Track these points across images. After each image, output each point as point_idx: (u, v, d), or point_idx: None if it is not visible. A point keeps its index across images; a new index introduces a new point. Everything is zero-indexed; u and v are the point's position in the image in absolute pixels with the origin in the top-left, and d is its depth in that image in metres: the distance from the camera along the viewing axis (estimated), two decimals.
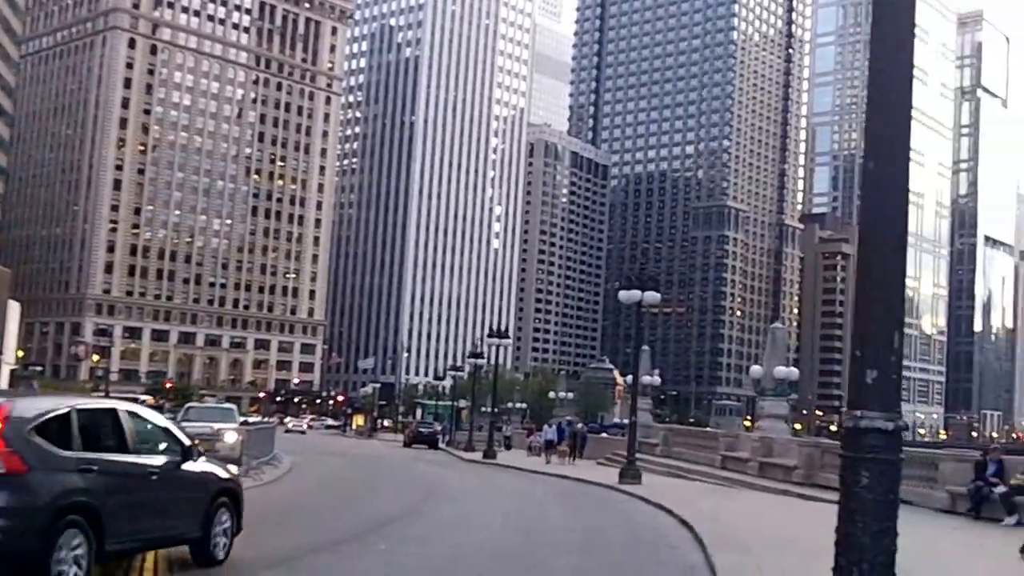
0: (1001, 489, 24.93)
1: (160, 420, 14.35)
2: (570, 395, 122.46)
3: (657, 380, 62.94)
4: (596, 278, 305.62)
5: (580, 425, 74.91)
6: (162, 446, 13.51)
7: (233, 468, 16.10)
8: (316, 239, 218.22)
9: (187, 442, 14.02)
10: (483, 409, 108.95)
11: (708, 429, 71.79)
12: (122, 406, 13.42)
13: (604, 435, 78.58)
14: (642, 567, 17.67)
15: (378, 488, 33.27)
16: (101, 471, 11.68)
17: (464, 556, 17.98)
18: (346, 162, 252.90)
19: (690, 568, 16.94)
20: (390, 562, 16.64)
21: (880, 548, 5.89)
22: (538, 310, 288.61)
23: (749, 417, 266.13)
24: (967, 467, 26.79)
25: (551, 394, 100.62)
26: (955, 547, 21.39)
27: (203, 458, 14.44)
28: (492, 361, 68.05)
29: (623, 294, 40.01)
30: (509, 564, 17.56)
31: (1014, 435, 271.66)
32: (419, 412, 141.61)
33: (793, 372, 43.59)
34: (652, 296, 39.48)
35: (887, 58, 6.13)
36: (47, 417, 11.37)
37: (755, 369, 45.16)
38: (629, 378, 63.69)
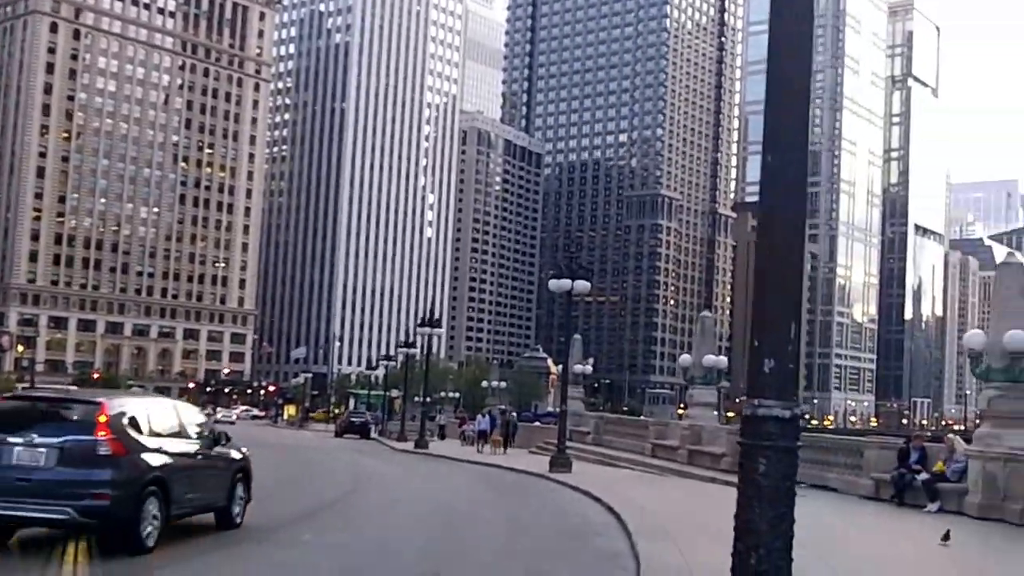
0: (924, 476, 25.34)
1: (196, 412, 18.90)
2: (503, 384, 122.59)
3: (589, 369, 63.16)
4: (530, 267, 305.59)
5: (514, 414, 75.13)
6: (198, 433, 17.18)
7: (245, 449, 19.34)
8: (246, 227, 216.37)
9: (217, 430, 18.38)
10: (416, 399, 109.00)
11: (638, 417, 72.16)
12: (173, 402, 18.22)
13: (537, 424, 78.65)
14: (566, 554, 17.75)
15: (305, 479, 33.16)
16: (167, 453, 15.52)
17: (389, 545, 18.00)
18: (276, 149, 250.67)
19: (614, 555, 17.04)
20: (314, 552, 16.64)
21: (777, 533, 5.98)
22: (471, 299, 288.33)
23: (683, 405, 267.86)
24: (891, 454, 27.18)
25: (484, 383, 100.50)
26: (877, 533, 21.69)
27: (229, 442, 18.47)
28: (424, 350, 67.79)
29: (553, 283, 40.12)
30: (433, 552, 17.60)
31: (943, 422, 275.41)
32: (352, 402, 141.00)
33: (722, 361, 43.87)
34: (582, 285, 39.55)
35: (785, 51, 6.24)
36: (132, 411, 15.19)
37: (684, 358, 45.42)
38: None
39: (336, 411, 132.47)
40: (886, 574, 16.15)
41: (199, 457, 16.90)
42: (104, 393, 19.41)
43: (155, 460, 15.02)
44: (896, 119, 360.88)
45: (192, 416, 17.71)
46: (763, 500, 5.96)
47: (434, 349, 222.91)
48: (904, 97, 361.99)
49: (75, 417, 14.87)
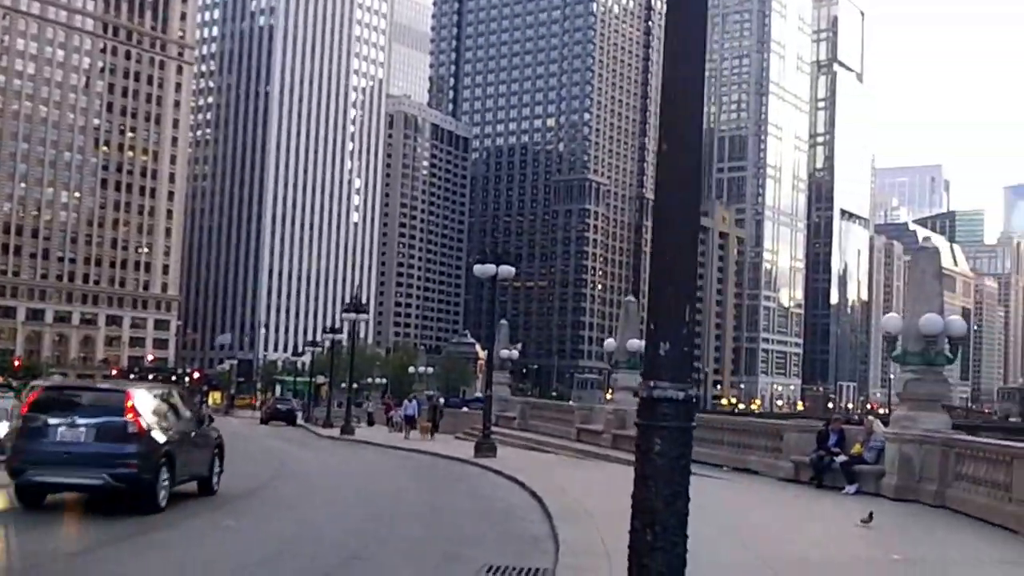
0: (842, 458, 25.70)
1: (188, 397, 24.26)
2: (430, 370, 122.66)
3: (516, 354, 63.02)
4: (458, 252, 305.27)
5: (441, 400, 75.18)
6: (189, 415, 21.40)
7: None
8: (169, 212, 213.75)
9: (202, 412, 23.53)
10: (343, 385, 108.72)
11: (564, 402, 72.48)
12: (172, 388, 22.87)
13: (465, 409, 78.83)
14: (486, 538, 17.85)
15: (226, 466, 32.97)
16: (171, 431, 19.56)
17: (309, 530, 18.05)
18: (199, 133, 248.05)
19: (534, 539, 17.16)
20: (233, 539, 16.64)
21: (672, 511, 6.16)
22: (399, 284, 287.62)
23: (611, 390, 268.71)
24: (810, 437, 27.50)
25: (411, 369, 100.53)
26: (796, 514, 22.01)
27: (212, 423, 23.36)
28: (350, 336, 67.60)
29: (478, 268, 40.13)
30: (353, 536, 17.64)
31: (868, 405, 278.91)
32: (278, 389, 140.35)
33: None
34: (507, 270, 39.66)
35: (681, 41, 6.34)
36: (147, 397, 19.49)
37: (609, 342, 45.56)
38: None
39: (262, 398, 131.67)
40: (797, 551, 16.31)
41: (192, 435, 20.94)
42: (126, 383, 23.01)
43: (163, 437, 19.12)
44: (821, 104, 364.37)
45: (186, 400, 22.44)
46: (659, 479, 6.14)
47: (361, 335, 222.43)
48: (829, 82, 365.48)
49: (106, 403, 19.13)
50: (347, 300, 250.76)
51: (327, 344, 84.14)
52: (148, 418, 18.80)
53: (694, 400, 6.25)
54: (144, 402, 19.13)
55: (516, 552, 15.94)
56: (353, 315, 62.03)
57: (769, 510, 22.56)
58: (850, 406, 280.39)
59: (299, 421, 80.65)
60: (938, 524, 19.95)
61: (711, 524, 19.00)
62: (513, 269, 40.52)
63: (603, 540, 16.09)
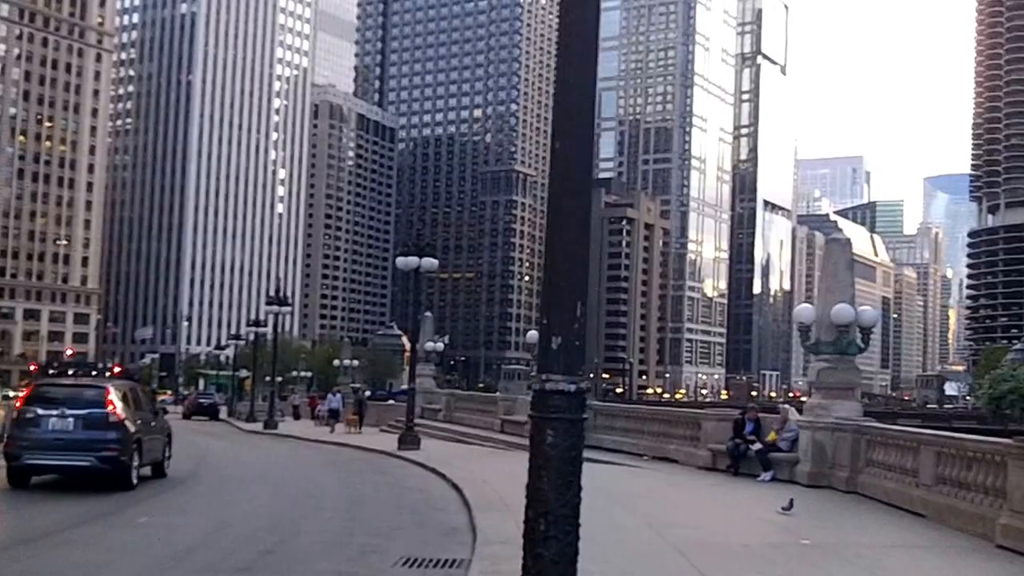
0: (757, 446, 26.13)
1: (148, 391, 36.88)
2: (355, 363, 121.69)
3: (441, 346, 63.15)
4: (385, 243, 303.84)
5: (367, 393, 74.93)
6: (147, 408, 25.31)
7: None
8: (88, 203, 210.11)
9: (156, 405, 29.22)
10: (267, 379, 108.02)
11: (488, 394, 72.53)
12: (136, 384, 26.29)
13: (391, 402, 78.55)
14: (404, 529, 17.94)
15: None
16: (139, 421, 23.15)
17: (227, 525, 18.14)
18: (120, 123, 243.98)
19: (452, 530, 17.30)
20: (148, 534, 16.62)
21: (563, 501, 6.32)
22: (325, 276, 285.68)
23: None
24: (727, 426, 27.90)
25: (335, 362, 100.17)
26: (710, 501, 22.27)
27: (166, 414, 28.51)
28: (273, 329, 67.18)
29: (400, 260, 40.21)
30: (271, 530, 17.67)
31: (791, 394, 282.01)
32: (201, 383, 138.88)
33: None
34: (430, 262, 39.75)
35: (572, 41, 6.50)
36: (121, 392, 22.82)
37: (531, 334, 45.87)
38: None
39: (185, 392, 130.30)
40: (707, 536, 16.56)
41: (152, 424, 24.75)
42: (103, 380, 26.11)
43: (134, 427, 22.50)
44: (746, 96, 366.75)
45: (145, 395, 26.82)
46: (551, 469, 6.30)
47: (286, 328, 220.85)
48: (754, 74, 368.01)
49: (89, 397, 22.39)
50: (272, 292, 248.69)
51: (251, 337, 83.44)
52: (122, 410, 22.30)
53: (585, 392, 6.41)
54: (118, 396, 22.50)
55: (434, 543, 16.06)
56: (276, 308, 61.65)
57: (683, 497, 22.88)
58: (773, 394, 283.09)
59: (222, 416, 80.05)
60: (849, 509, 20.38)
61: (625, 511, 19.37)
62: (436, 261, 40.60)
63: (519, 528, 16.20)
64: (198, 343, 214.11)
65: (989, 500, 16.24)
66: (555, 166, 6.48)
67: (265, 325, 72.54)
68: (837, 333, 24.95)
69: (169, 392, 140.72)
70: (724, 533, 17.14)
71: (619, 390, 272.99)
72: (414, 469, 30.25)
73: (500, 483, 23.77)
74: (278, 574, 13.96)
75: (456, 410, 54.40)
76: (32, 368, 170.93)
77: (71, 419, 21.72)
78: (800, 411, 27.18)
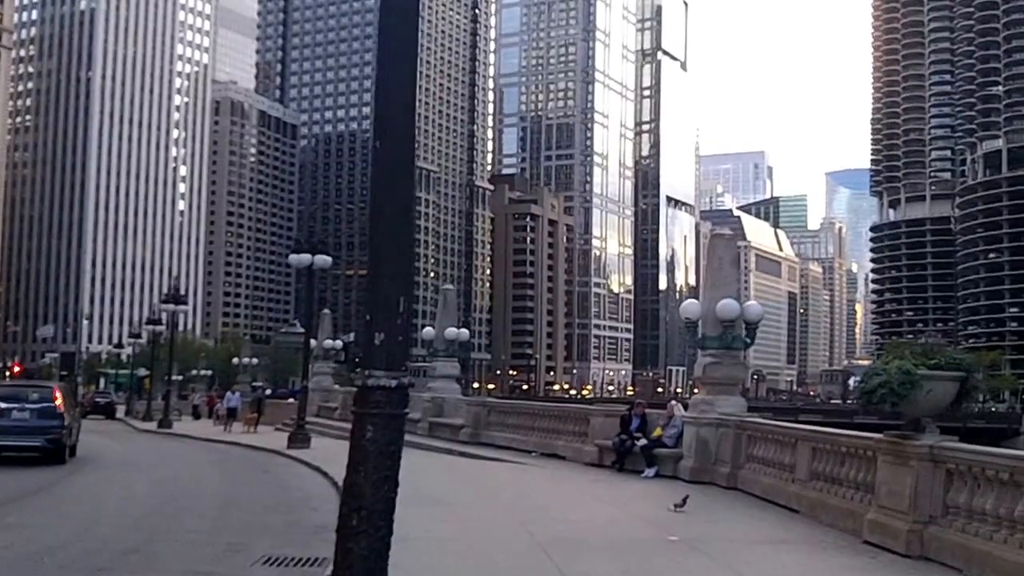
0: (642, 442, 26.19)
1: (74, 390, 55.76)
2: (255, 360, 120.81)
3: (339, 343, 62.95)
4: (288, 240, 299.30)
5: (267, 391, 74.33)
6: (73, 403, 33.20)
7: None
8: None
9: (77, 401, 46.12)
10: (166, 377, 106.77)
11: None
12: (68, 385, 48.44)
13: (291, 400, 78.00)
14: (275, 527, 17.92)
15: (21, 461, 32.31)
16: (71, 414, 30.80)
17: (96, 524, 18.01)
18: (19, 119, 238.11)
19: (322, 528, 17.08)
20: (13, 535, 16.39)
21: (379, 496, 6.38)
22: (228, 274, 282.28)
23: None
24: (615, 422, 27.98)
25: (235, 360, 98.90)
26: (587, 497, 22.32)
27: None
28: (169, 327, 66.40)
29: (293, 258, 40.08)
30: (137, 530, 17.54)
31: (695, 390, 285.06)
32: (102, 382, 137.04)
33: (463, 333, 44.61)
34: (323, 259, 39.63)
35: (392, 40, 6.49)
36: (61, 390, 31.66)
37: (428, 331, 45.91)
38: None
39: (83, 391, 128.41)
40: (575, 532, 16.64)
41: (74, 416, 32.71)
42: (50, 382, 38.29)
43: (69, 417, 30.36)
44: (647, 92, 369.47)
45: (72, 394, 36.23)
46: (368, 464, 6.34)
47: (189, 326, 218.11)
48: (654, 71, 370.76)
49: (41, 394, 30.43)
50: (175, 289, 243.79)
51: (151, 335, 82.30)
52: (64, 403, 30.21)
53: (407, 388, 6.41)
54: (60, 394, 30.73)
55: (301, 542, 16.04)
56: (171, 306, 61.03)
57: (561, 493, 22.97)
58: (679, 390, 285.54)
59: (120, 415, 79.06)
60: (725, 505, 20.48)
61: (496, 507, 19.46)
62: (329, 259, 40.49)
63: (397, 530, 16.20)
64: (100, 341, 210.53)
65: (860, 496, 16.37)
66: (375, 166, 6.49)
67: (162, 323, 71.32)
68: (722, 328, 25.11)
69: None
70: (592, 528, 17.25)
71: (525, 387, 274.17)
72: (299, 468, 30.18)
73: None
74: (135, 572, 13.86)
75: (350, 407, 54.10)
76: None
77: (28, 411, 29.40)
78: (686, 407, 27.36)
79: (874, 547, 14.82)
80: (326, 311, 67.90)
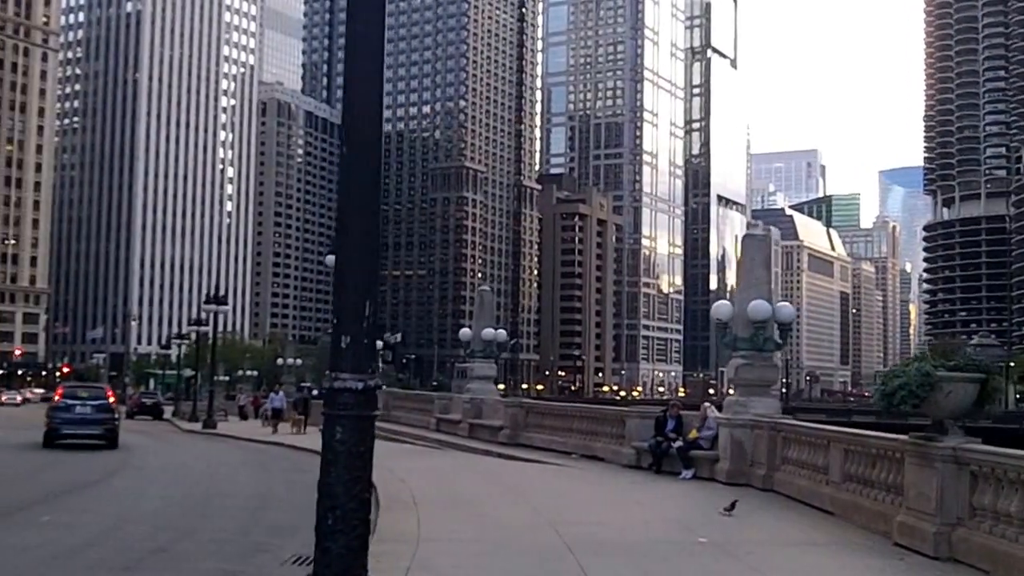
0: (678, 444, 26.03)
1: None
2: (299, 361, 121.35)
3: (380, 344, 63.05)
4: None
5: (315, 392, 74.43)
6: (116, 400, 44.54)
7: None
8: (36, 203, 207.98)
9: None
10: (216, 378, 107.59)
11: (426, 392, 72.45)
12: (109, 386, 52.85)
13: None
14: (303, 529, 17.74)
15: (67, 461, 32.63)
16: (118, 409, 41.72)
17: (127, 524, 18.21)
18: (67, 122, 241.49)
19: None
20: (46, 533, 16.71)
21: (351, 495, 6.54)
22: (276, 275, 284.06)
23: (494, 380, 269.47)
24: (650, 423, 27.80)
25: (279, 361, 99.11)
26: (622, 499, 22.20)
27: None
28: (213, 328, 66.70)
29: (330, 259, 39.83)
30: (168, 529, 17.71)
31: (729, 390, 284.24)
32: (151, 382, 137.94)
33: (501, 334, 44.41)
34: None
35: (360, 50, 6.50)
36: (112, 391, 44.49)
37: (464, 331, 45.81)
38: None
39: (131, 392, 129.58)
40: (606, 534, 16.57)
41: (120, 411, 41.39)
42: (102, 383, 53.22)
43: (117, 412, 38.58)
44: (696, 90, 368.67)
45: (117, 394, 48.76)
46: (339, 465, 6.47)
47: (236, 326, 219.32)
48: (704, 68, 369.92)
49: (98, 393, 39.02)
50: (223, 291, 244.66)
51: (195, 336, 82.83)
52: (114, 402, 39.71)
53: (375, 390, 6.44)
54: (112, 394, 40.95)
55: None
56: (213, 307, 61.35)
57: (596, 495, 22.84)
58: (730, 391, 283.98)
59: (167, 415, 79.49)
60: (759, 507, 20.25)
61: (529, 508, 19.42)
62: None
63: (419, 527, 16.42)
64: (148, 342, 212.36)
65: (890, 497, 16.28)
66: (342, 171, 6.58)
67: (207, 324, 71.32)
68: (754, 329, 24.93)
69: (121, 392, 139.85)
70: (621, 530, 17.17)
71: (574, 388, 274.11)
72: None
73: (419, 481, 23.77)
74: (162, 572, 14.02)
75: (393, 409, 54.37)
76: None
77: (90, 407, 37.39)
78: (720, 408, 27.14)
79: (904, 549, 14.72)
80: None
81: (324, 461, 6.53)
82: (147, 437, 49.47)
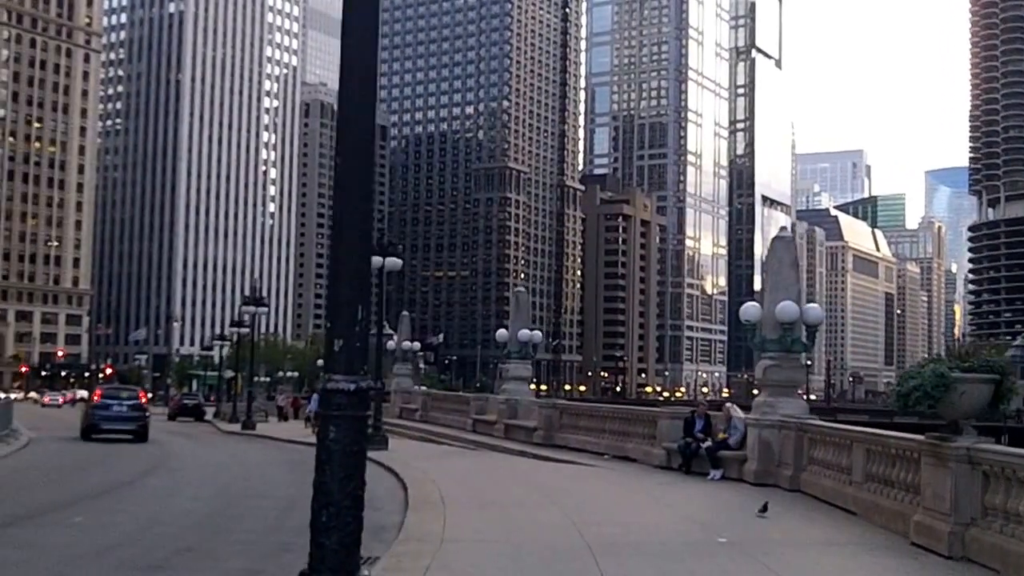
0: (707, 444, 26.17)
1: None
2: None
3: (418, 345, 63.56)
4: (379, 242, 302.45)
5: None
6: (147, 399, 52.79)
7: None
8: (79, 204, 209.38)
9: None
10: (256, 379, 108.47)
11: (463, 393, 72.73)
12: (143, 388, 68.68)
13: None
14: None
15: (103, 462, 33.06)
16: (147, 408, 46.98)
17: (156, 524, 18.46)
18: (109, 123, 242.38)
19: (380, 528, 17.40)
20: (77, 533, 16.98)
21: (345, 493, 6.71)
22: (319, 275, 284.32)
23: (534, 382, 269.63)
24: (680, 424, 27.97)
25: (319, 361, 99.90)
26: (648, 500, 22.28)
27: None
28: (257, 329, 67.19)
29: None
30: (196, 528, 18.07)
31: (754, 391, 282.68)
32: (194, 384, 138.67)
33: (536, 335, 44.54)
34: (394, 262, 39.66)
35: (351, 58, 6.75)
36: (144, 392, 55.94)
37: (501, 332, 46.00)
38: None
39: (174, 393, 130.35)
40: (627, 535, 16.75)
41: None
42: (135, 386, 62.33)
43: (148, 411, 44.63)
44: (741, 90, 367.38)
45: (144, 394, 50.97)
46: (334, 463, 6.63)
47: (279, 328, 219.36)
48: (748, 68, 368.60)
49: (132, 394, 45.65)
50: (266, 292, 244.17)
51: (236, 337, 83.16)
52: (146, 402, 45.14)
53: (368, 391, 6.65)
54: (143, 394, 46.54)
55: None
56: (252, 308, 61.81)
57: (623, 496, 22.93)
58: (755, 392, 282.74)
59: (208, 417, 79.67)
60: (785, 507, 20.28)
61: (556, 509, 19.65)
62: (400, 261, 40.57)
63: (444, 527, 16.61)
64: (191, 343, 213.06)
65: (908, 497, 16.35)
66: (336, 179, 6.75)
67: (247, 325, 71.43)
68: (782, 331, 25.03)
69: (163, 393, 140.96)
70: (644, 530, 17.34)
71: (617, 389, 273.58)
72: (372, 469, 29.85)
73: (450, 482, 24.02)
74: (188, 571, 14.23)
75: (432, 410, 54.82)
76: (23, 370, 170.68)
77: (125, 406, 42.93)
78: (748, 409, 27.24)
79: (920, 549, 14.82)
80: (404, 313, 68.41)
81: (319, 460, 6.74)
82: (186, 439, 49.97)
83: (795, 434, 23.09)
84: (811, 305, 27.03)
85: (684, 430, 27.33)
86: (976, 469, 14.01)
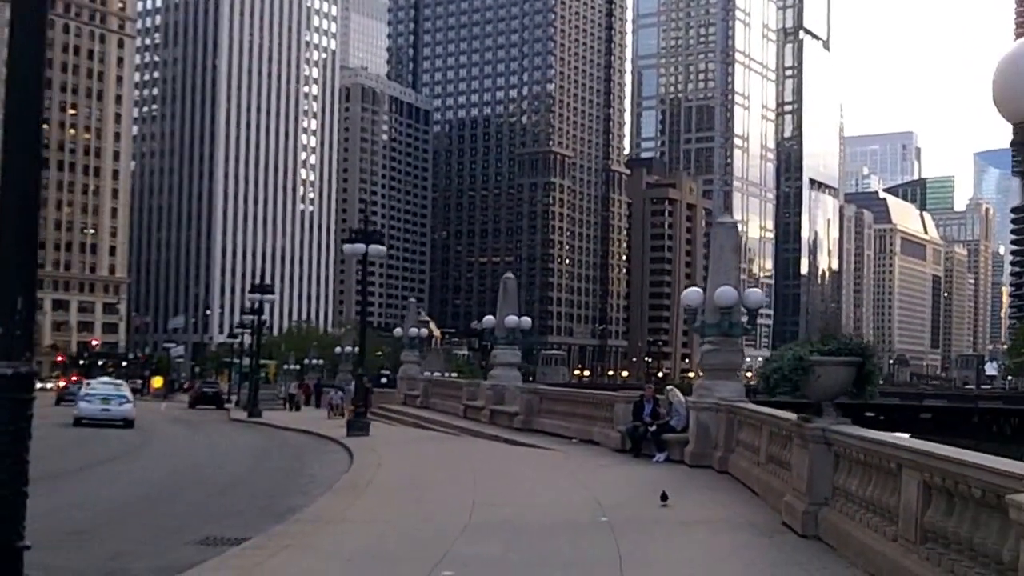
0: (653, 428, 26.66)
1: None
2: (356, 349, 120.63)
3: (425, 332, 64.08)
4: (422, 228, 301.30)
5: (383, 380, 75.18)
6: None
7: None
8: (115, 192, 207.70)
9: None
10: (284, 367, 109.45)
11: (455, 379, 73.04)
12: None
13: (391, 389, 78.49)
14: (243, 513, 18.79)
15: (78, 448, 33.77)
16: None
17: (72, 508, 18.82)
18: (145, 109, 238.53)
19: (288, 511, 17.66)
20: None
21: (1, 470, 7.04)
22: (359, 262, 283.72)
23: (579, 366, 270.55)
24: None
25: (337, 349, 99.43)
26: (573, 483, 22.19)
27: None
28: (257, 316, 67.59)
29: (347, 248, 40.56)
30: (109, 514, 18.67)
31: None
32: (229, 372, 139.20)
33: (525, 321, 44.82)
34: (377, 249, 39.88)
35: (20, 43, 7.38)
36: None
37: (488, 319, 46.31)
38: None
39: (204, 381, 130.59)
40: (522, 515, 17.11)
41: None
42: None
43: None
44: (788, 72, 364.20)
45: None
46: None
47: (319, 315, 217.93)
48: (796, 50, 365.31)
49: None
50: (307, 279, 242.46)
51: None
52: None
53: (27, 375, 7.08)
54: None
55: (252, 524, 16.66)
56: (258, 296, 62.48)
57: (549, 479, 22.84)
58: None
59: (228, 404, 79.65)
60: (701, 488, 20.69)
61: (473, 490, 20.08)
62: (383, 248, 40.86)
63: (347, 510, 17.07)
64: (229, 332, 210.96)
65: (788, 477, 16.66)
66: (3, 168, 7.14)
67: (262, 313, 71.24)
68: (720, 315, 25.39)
69: (190, 383, 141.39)
70: (539, 511, 17.68)
71: (660, 374, 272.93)
72: (338, 455, 30.74)
73: (393, 469, 24.48)
74: (70, 550, 14.49)
75: (432, 396, 55.53)
76: (59, 359, 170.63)
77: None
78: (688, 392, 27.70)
79: (787, 528, 15.03)
80: (412, 300, 69.07)
81: None
82: (185, 426, 52.03)
83: (726, 416, 23.43)
84: (752, 290, 27.38)
85: (633, 414, 27.76)
86: (831, 450, 14.33)
